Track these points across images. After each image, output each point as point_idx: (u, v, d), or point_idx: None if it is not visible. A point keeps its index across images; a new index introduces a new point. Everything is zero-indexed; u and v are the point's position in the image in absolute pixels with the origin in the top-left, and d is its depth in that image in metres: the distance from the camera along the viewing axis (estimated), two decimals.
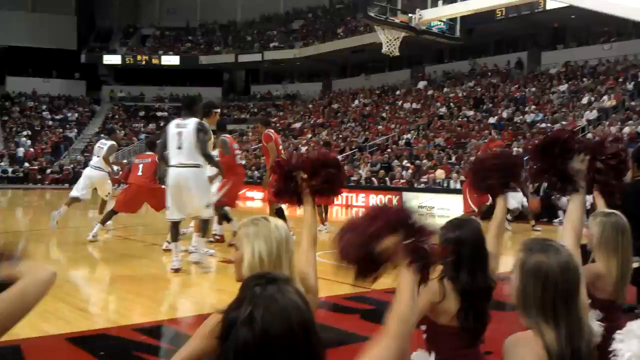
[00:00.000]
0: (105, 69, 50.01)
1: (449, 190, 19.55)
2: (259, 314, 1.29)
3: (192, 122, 7.01)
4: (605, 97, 24.39)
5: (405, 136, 28.37)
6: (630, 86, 24.74)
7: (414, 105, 33.17)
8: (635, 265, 4.79)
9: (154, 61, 47.78)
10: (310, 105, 41.61)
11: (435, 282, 2.67)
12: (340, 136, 31.83)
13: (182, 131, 6.99)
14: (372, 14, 9.54)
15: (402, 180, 21.91)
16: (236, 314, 1.32)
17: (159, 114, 47.00)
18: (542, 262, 1.86)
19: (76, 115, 46.00)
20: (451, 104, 31.11)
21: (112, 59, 48.29)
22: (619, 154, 2.61)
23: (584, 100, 24.96)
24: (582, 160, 2.55)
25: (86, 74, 49.16)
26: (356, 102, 38.07)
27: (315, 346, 1.34)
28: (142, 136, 43.81)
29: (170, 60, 47.71)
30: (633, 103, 23.44)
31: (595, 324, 2.68)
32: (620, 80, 25.69)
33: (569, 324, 1.82)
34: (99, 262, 8.19)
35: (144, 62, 47.88)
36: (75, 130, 44.21)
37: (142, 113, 47.20)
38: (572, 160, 2.55)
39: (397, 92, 36.80)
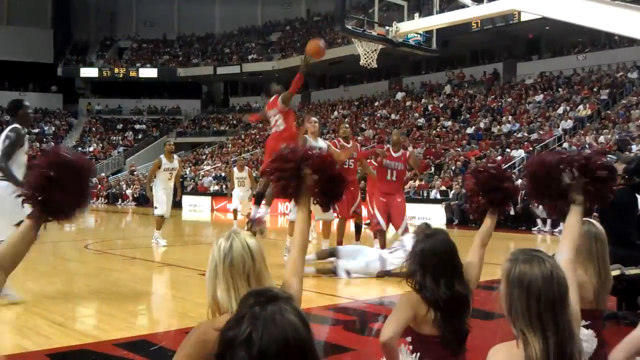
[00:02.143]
0: (82, 81, 49.72)
1: (429, 200, 19.67)
2: (258, 336, 1.30)
3: None
4: (580, 107, 24.75)
5: (385, 146, 28.47)
6: (604, 95, 25.14)
7: (393, 116, 33.36)
8: (615, 272, 4.88)
9: (132, 73, 47.60)
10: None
11: (416, 295, 2.71)
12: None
13: None
14: (349, 27, 9.60)
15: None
16: (234, 332, 1.33)
17: (137, 126, 46.79)
18: (525, 272, 1.88)
19: (53, 128, 45.63)
20: (429, 114, 31.35)
21: (89, 72, 48.04)
22: (609, 167, 2.66)
23: (560, 110, 25.30)
24: (573, 177, 2.60)
25: (63, 87, 48.85)
26: (335, 113, 38.18)
27: None
28: (120, 149, 43.53)
29: (148, 72, 47.59)
30: (608, 112, 23.83)
31: (586, 334, 2.73)
32: (595, 89, 26.10)
33: (558, 335, 1.83)
34: (78, 276, 8.11)
35: (121, 75, 47.69)
36: (52, 143, 43.77)
37: (119, 126, 46.92)
38: (563, 178, 2.62)
39: (376, 103, 36.99)
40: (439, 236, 2.81)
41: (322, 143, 8.63)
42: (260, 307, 1.35)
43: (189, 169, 34.49)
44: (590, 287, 3.20)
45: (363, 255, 7.59)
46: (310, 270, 7.38)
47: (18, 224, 6.29)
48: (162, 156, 11.37)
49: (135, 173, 36.33)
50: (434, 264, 2.72)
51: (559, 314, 1.85)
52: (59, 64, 47.73)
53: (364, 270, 7.44)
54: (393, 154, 9.22)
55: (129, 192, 32.14)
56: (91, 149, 43.42)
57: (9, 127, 6.10)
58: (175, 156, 11.60)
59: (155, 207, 11.27)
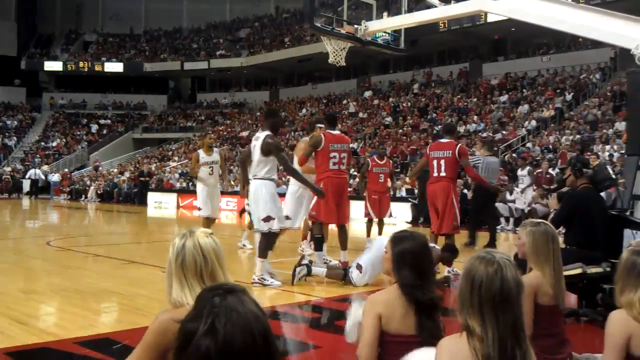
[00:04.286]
0: (46, 75, 48.78)
1: (395, 199, 19.75)
2: (221, 324, 1.28)
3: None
4: (543, 108, 25.16)
5: (351, 145, 28.57)
6: (568, 97, 25.60)
7: (361, 115, 33.50)
8: (577, 271, 4.99)
9: (97, 68, 46.91)
10: (258, 114, 41.54)
11: (378, 295, 2.76)
12: (288, 145, 31.85)
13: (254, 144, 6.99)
14: (318, 25, 9.59)
15: (349, 189, 22.03)
16: (196, 324, 1.31)
17: (101, 121, 46.11)
18: (472, 267, 2.02)
19: (15, 122, 44.70)
20: (397, 113, 31.55)
21: (53, 66, 47.16)
22: None
23: (524, 111, 25.68)
24: None
25: (26, 80, 47.89)
26: (304, 110, 38.19)
27: (275, 355, 1.34)
28: (84, 144, 42.88)
29: (114, 67, 46.95)
30: (572, 113, 24.27)
31: None
32: (558, 91, 26.55)
33: (499, 331, 1.93)
34: (40, 273, 7.99)
35: (86, 69, 46.94)
36: (15, 138, 42.93)
37: (84, 120, 46.19)
38: None
39: (344, 102, 37.10)
40: (415, 238, 2.88)
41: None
42: (220, 298, 1.35)
43: (154, 165, 34.14)
44: (549, 286, 3.33)
45: (375, 246, 7.16)
46: (321, 271, 7.21)
47: (265, 219, 6.70)
48: (200, 150, 10.29)
49: (99, 169, 35.78)
50: (414, 263, 2.77)
51: (500, 311, 1.94)
52: (23, 57, 46.76)
53: (376, 254, 6.58)
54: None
55: (92, 188, 31.61)
56: (54, 144, 42.66)
57: (264, 135, 6.80)
58: (215, 149, 10.52)
59: (199, 209, 10.18)
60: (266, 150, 6.73)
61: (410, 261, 2.78)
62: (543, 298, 3.31)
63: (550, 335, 3.34)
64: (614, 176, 5.93)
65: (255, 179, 6.95)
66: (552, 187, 15.06)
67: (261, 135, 6.87)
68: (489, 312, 1.94)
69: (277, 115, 7.56)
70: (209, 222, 9.85)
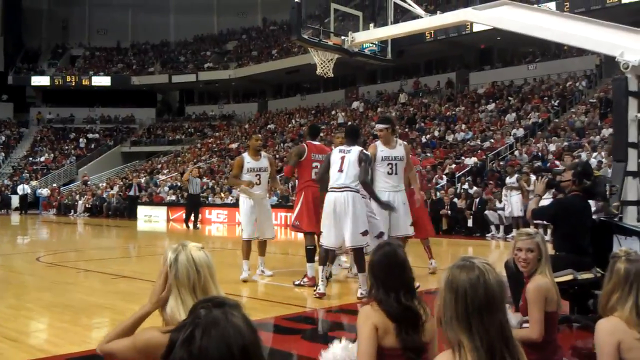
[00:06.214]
0: (34, 90, 48.62)
1: None
2: (199, 335, 1.30)
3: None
4: (530, 115, 25.33)
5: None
6: (555, 104, 25.80)
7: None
8: (568, 277, 5.02)
9: (84, 82, 46.79)
10: (247, 126, 41.55)
11: (369, 307, 2.75)
12: (278, 156, 31.85)
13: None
14: (305, 36, 9.62)
15: None
16: (178, 334, 1.34)
17: (90, 135, 45.97)
18: (455, 277, 1.98)
19: (3, 138, 44.50)
20: None
21: (40, 80, 47.03)
22: None
23: (511, 119, 25.85)
24: None
25: (13, 95, 47.71)
26: (293, 122, 38.23)
27: None
28: (73, 159, 42.70)
29: (101, 81, 46.85)
30: (557, 120, 24.45)
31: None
32: (545, 98, 26.75)
33: (489, 340, 1.89)
34: (30, 289, 7.93)
35: (73, 83, 46.81)
36: (3, 154, 42.71)
37: (72, 135, 46.02)
38: None
39: (333, 112, 37.17)
40: (386, 248, 2.85)
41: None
42: (206, 311, 1.37)
43: (143, 178, 34.00)
44: (554, 292, 3.38)
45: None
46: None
47: (363, 233, 6.63)
48: (245, 154, 8.59)
49: (88, 183, 35.61)
50: (382, 276, 2.76)
51: (487, 318, 1.91)
52: (10, 72, 46.62)
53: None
54: None
55: (81, 202, 31.42)
56: (42, 158, 42.44)
57: (360, 149, 6.80)
58: (263, 153, 8.73)
59: (242, 229, 8.58)
60: (359, 160, 6.67)
61: (378, 273, 2.78)
62: (549, 306, 3.38)
63: (546, 342, 3.36)
64: (608, 195, 5.92)
65: (350, 190, 6.69)
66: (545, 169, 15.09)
67: (354, 149, 6.80)
68: (477, 320, 1.91)
69: (360, 134, 7.44)
70: (249, 245, 8.28)
